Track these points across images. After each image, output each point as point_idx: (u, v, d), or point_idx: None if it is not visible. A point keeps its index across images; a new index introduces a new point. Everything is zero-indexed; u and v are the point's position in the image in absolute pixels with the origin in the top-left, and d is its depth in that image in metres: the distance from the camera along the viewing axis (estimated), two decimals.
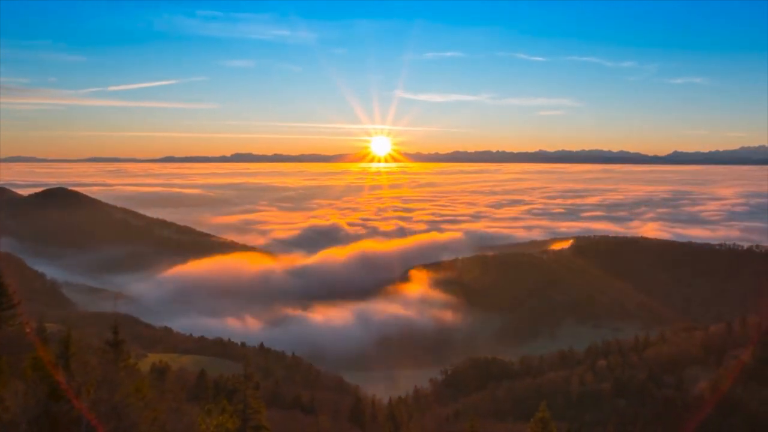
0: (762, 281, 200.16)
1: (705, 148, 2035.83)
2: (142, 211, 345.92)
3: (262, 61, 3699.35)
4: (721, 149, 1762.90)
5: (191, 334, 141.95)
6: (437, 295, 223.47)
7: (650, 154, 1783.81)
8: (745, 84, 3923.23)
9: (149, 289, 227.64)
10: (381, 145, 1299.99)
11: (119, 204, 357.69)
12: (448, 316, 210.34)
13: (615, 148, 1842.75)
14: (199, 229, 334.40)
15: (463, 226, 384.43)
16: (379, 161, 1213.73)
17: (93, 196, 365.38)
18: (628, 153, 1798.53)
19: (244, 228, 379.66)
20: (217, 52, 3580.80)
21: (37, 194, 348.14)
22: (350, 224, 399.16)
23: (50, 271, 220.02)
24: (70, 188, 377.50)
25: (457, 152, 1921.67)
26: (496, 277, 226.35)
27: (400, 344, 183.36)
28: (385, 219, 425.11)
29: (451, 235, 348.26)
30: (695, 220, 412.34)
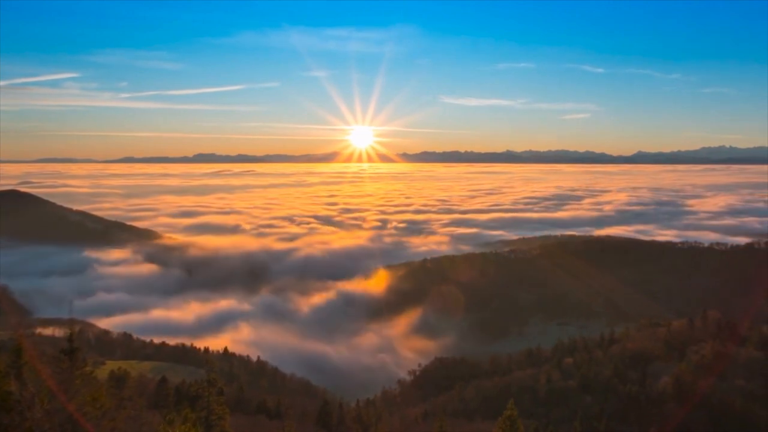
0: (721, 278, 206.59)
1: (667, 148, 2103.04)
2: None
3: (335, 71, 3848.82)
4: (683, 149, 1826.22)
5: (151, 340, 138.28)
6: (402, 296, 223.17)
7: (615, 154, 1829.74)
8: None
9: (107, 293, 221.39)
10: (361, 143, 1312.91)
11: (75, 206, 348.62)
12: (415, 316, 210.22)
13: (583, 149, 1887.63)
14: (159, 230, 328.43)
15: (432, 225, 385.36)
16: (358, 160, 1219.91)
17: (47, 197, 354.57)
18: (593, 153, 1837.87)
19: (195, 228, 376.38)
20: (308, 63, 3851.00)
21: None
22: (304, 221, 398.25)
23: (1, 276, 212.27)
24: (22, 190, 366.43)
25: (426, 152, 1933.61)
26: (463, 277, 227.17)
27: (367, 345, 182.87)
28: (351, 218, 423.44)
29: (416, 234, 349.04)
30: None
